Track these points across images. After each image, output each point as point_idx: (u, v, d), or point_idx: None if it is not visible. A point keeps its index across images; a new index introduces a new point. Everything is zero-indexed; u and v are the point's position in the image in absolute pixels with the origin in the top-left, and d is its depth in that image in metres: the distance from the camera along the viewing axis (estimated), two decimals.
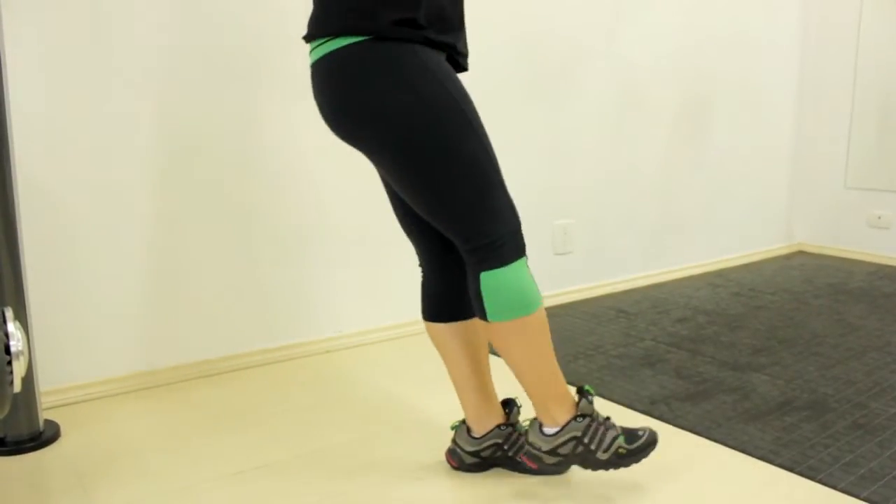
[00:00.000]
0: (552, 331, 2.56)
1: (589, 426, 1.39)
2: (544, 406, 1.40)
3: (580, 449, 1.39)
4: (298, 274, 2.31)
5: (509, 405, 1.55)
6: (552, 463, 1.41)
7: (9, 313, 1.31)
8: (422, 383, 2.08)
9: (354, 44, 1.25)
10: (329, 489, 1.50)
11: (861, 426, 1.78)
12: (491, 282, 1.32)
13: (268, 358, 2.26)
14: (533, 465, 1.43)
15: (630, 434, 1.42)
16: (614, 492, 1.47)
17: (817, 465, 1.58)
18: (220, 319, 2.18)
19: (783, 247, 3.92)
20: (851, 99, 3.65)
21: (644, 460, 1.60)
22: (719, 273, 3.46)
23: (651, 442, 1.43)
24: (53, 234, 1.91)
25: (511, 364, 1.39)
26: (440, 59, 1.31)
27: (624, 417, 1.84)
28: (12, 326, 1.29)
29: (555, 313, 2.79)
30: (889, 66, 3.49)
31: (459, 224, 1.32)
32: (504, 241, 1.32)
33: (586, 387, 1.43)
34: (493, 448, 1.53)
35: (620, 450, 1.39)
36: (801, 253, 3.91)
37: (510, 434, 1.53)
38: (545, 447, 1.40)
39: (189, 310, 2.13)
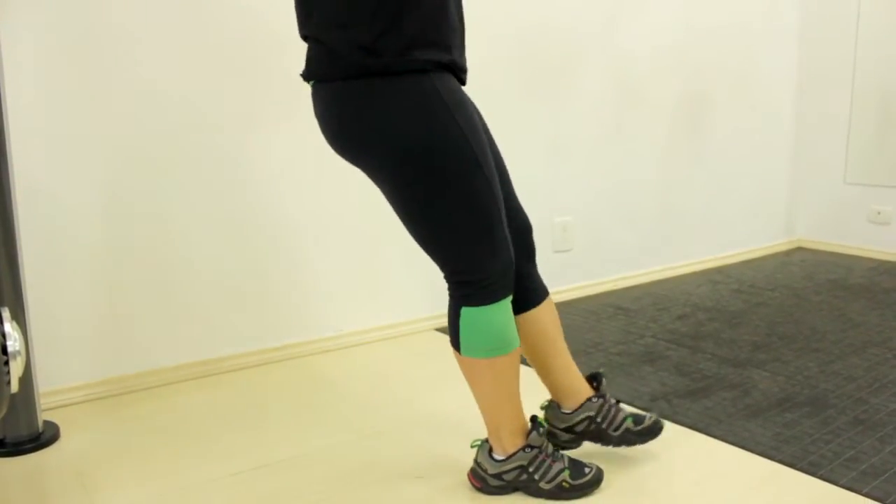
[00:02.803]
0: None
1: (535, 457, 1.42)
2: (497, 435, 1.43)
3: (524, 477, 1.43)
4: (297, 274, 2.30)
5: (596, 378, 1.57)
6: (495, 486, 1.45)
7: (5, 313, 1.30)
8: (422, 382, 2.08)
9: (361, 81, 1.23)
10: (329, 489, 1.50)
11: (862, 422, 1.77)
12: (471, 319, 1.34)
13: (267, 358, 2.26)
14: (477, 484, 1.46)
15: (577, 469, 1.45)
16: (614, 490, 1.47)
17: (818, 461, 1.58)
18: (219, 319, 2.18)
19: (783, 243, 3.91)
20: (851, 94, 3.64)
21: (649, 449, 1.60)
22: (719, 269, 3.45)
23: (596, 481, 1.46)
24: (52, 235, 1.90)
25: (475, 393, 1.42)
26: (452, 84, 1.29)
27: None
28: (9, 327, 1.28)
29: None
30: (888, 60, 3.49)
31: (452, 258, 1.32)
32: (493, 281, 1.33)
33: (539, 419, 1.45)
34: (587, 421, 1.54)
35: (564, 483, 1.43)
36: (800, 249, 3.90)
37: (602, 405, 1.55)
38: (491, 471, 1.44)
39: (188, 310, 2.12)
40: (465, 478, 1.52)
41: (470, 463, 1.58)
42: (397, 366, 2.22)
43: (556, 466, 1.43)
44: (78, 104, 1.90)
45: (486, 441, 1.46)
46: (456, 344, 1.38)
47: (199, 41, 2.05)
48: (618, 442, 1.54)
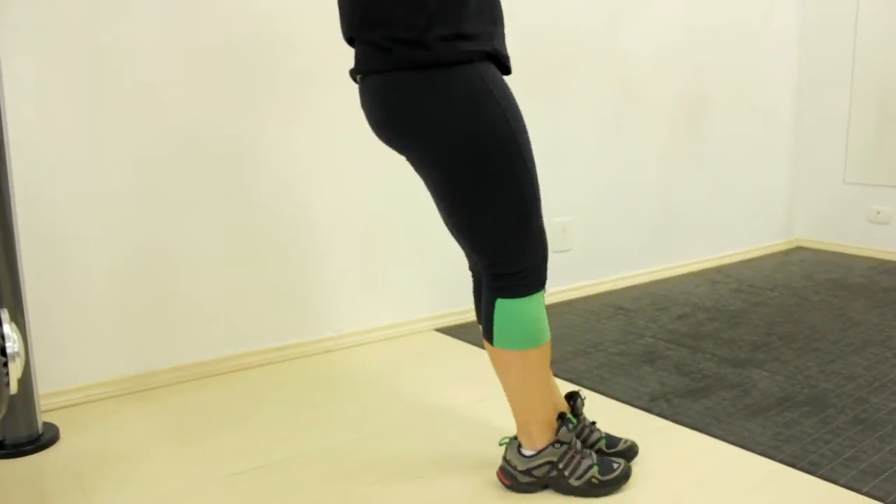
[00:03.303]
0: (552, 328, 2.55)
1: (565, 453, 1.43)
2: (526, 429, 1.43)
3: (554, 473, 1.43)
4: (298, 274, 2.30)
5: (573, 398, 1.56)
6: (525, 482, 1.45)
7: (4, 315, 1.30)
8: (422, 382, 2.08)
9: (408, 73, 1.23)
10: (330, 489, 1.50)
11: (862, 421, 1.77)
12: (506, 310, 1.35)
13: (267, 358, 2.26)
14: (507, 482, 1.47)
15: (605, 465, 1.45)
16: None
17: (818, 460, 1.58)
18: (219, 320, 2.17)
19: (782, 242, 3.91)
20: (850, 94, 3.65)
21: (650, 448, 1.60)
22: (719, 269, 3.45)
23: (625, 476, 1.46)
24: (51, 236, 1.90)
25: (505, 386, 1.43)
26: (497, 75, 1.29)
27: (624, 414, 1.83)
28: (8, 328, 1.28)
29: (554, 311, 2.78)
30: (887, 60, 3.49)
31: (491, 249, 1.33)
32: (529, 273, 1.34)
33: (567, 415, 1.45)
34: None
35: (593, 479, 1.43)
36: (800, 248, 3.90)
37: (577, 426, 1.54)
38: (521, 467, 1.44)
39: (188, 311, 2.12)
40: (466, 477, 1.52)
41: (471, 462, 1.58)
42: (398, 366, 2.22)
43: (586, 462, 1.44)
44: (77, 105, 1.90)
45: (515, 438, 1.46)
46: (489, 335, 1.38)
47: (199, 42, 2.05)
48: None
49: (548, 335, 1.39)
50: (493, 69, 1.28)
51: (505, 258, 1.33)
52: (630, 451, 1.56)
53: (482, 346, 2.37)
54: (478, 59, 1.25)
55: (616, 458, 1.51)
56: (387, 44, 1.24)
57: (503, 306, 1.35)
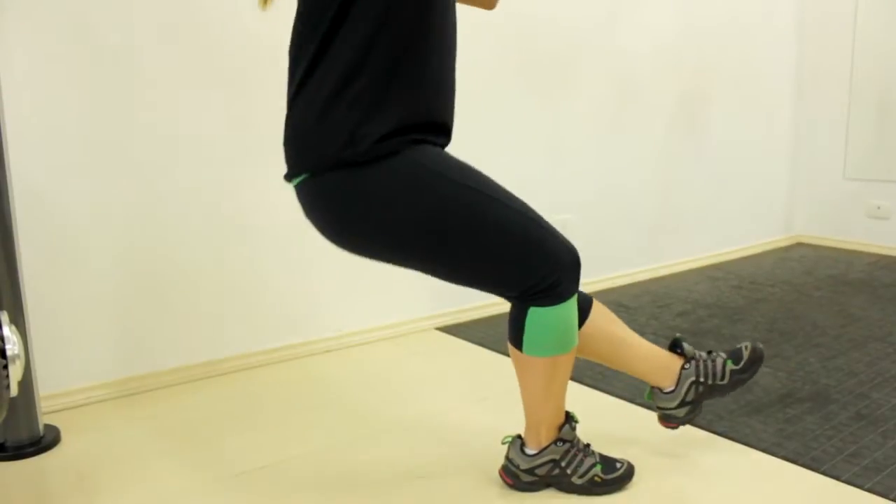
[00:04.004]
0: None
1: (568, 451, 1.43)
2: (536, 429, 1.43)
3: (556, 471, 1.43)
4: (298, 274, 2.30)
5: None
6: (528, 481, 1.45)
7: (4, 317, 1.30)
8: (424, 381, 2.08)
9: (341, 175, 1.22)
10: (332, 488, 1.50)
11: (864, 417, 1.77)
12: (538, 318, 1.32)
13: (269, 358, 2.26)
14: (509, 481, 1.46)
15: (608, 464, 1.45)
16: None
17: (820, 456, 1.58)
18: (220, 321, 2.17)
19: (782, 238, 3.91)
20: (849, 89, 3.64)
21: (651, 447, 1.60)
22: (719, 266, 3.45)
23: (628, 475, 1.46)
24: (51, 238, 1.90)
25: (526, 389, 1.41)
26: (427, 149, 1.27)
27: (625, 412, 1.83)
28: (8, 330, 1.28)
29: None
30: (886, 55, 3.48)
31: (516, 284, 1.31)
32: (560, 280, 1.31)
33: (571, 413, 1.45)
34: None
35: (596, 478, 1.43)
36: (800, 244, 3.90)
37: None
38: (523, 465, 1.44)
39: (189, 311, 2.12)
40: (469, 476, 1.52)
41: (473, 461, 1.58)
42: (399, 365, 2.22)
43: (588, 461, 1.43)
44: (77, 106, 1.89)
45: (518, 437, 1.46)
46: (518, 342, 1.35)
47: (200, 43, 2.04)
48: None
49: (577, 340, 1.37)
50: (424, 149, 1.26)
51: (529, 285, 1.30)
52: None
53: (483, 345, 2.36)
54: (406, 147, 1.24)
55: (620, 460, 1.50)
56: (320, 140, 1.22)
57: (536, 315, 1.32)
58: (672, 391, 1.52)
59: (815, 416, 1.78)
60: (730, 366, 1.52)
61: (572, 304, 1.34)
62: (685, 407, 1.53)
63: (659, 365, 1.53)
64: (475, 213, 1.25)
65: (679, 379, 1.51)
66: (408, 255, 1.28)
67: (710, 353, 1.55)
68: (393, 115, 1.22)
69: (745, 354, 1.53)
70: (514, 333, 1.36)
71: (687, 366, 1.52)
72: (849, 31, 3.61)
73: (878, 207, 3.60)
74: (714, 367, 1.52)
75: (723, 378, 1.51)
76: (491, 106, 2.66)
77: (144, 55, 1.97)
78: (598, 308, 1.51)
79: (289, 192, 2.24)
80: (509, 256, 1.28)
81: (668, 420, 1.56)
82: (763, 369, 2.10)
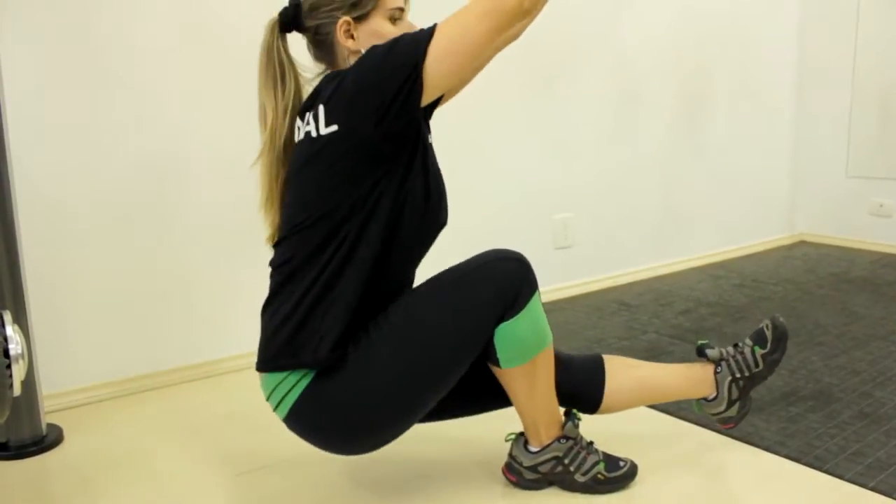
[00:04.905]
0: (555, 325, 2.55)
1: (571, 448, 1.43)
2: (534, 427, 1.42)
3: (559, 469, 1.43)
4: None
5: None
6: (531, 479, 1.45)
7: (7, 317, 1.30)
8: None
9: (308, 388, 1.27)
10: (335, 488, 1.50)
11: (867, 415, 1.77)
12: (508, 332, 1.30)
13: None
14: (512, 478, 1.46)
15: (612, 462, 1.45)
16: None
17: (823, 455, 1.58)
18: (222, 320, 2.17)
19: (785, 237, 3.91)
20: (851, 87, 3.64)
21: (653, 445, 1.60)
22: (721, 264, 3.45)
23: (631, 474, 1.46)
24: (52, 237, 1.90)
25: (513, 397, 1.40)
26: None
27: (628, 410, 1.82)
28: (11, 330, 1.28)
29: (556, 307, 2.78)
30: (889, 52, 3.48)
31: (488, 326, 1.30)
32: (517, 289, 1.29)
33: (574, 410, 1.45)
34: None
35: (599, 476, 1.43)
36: (802, 243, 3.90)
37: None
38: (526, 463, 1.44)
39: (191, 310, 2.12)
40: (472, 474, 1.52)
41: (475, 459, 1.58)
42: None
43: (592, 459, 1.43)
44: (79, 106, 1.90)
45: (521, 434, 1.45)
46: (494, 360, 1.33)
47: (199, 43, 2.04)
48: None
49: (550, 334, 1.36)
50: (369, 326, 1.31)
51: (496, 316, 1.29)
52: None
53: None
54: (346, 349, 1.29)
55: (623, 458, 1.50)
56: (284, 345, 1.28)
57: (504, 330, 1.30)
58: (716, 397, 1.53)
59: (818, 414, 1.78)
60: (759, 351, 1.53)
61: (535, 304, 1.31)
62: (734, 405, 1.54)
63: (693, 380, 1.54)
64: (431, 330, 1.28)
65: (717, 384, 1.52)
66: (403, 422, 1.33)
67: (735, 345, 1.56)
68: (345, 317, 1.27)
69: (769, 334, 1.54)
70: (488, 354, 1.34)
71: (719, 369, 1.53)
72: (851, 28, 3.60)
73: (881, 205, 3.59)
74: (745, 358, 1.53)
75: (757, 365, 1.52)
76: (491, 105, 2.66)
77: (145, 54, 1.97)
78: (610, 364, 1.51)
79: None
80: (469, 319, 1.28)
81: (726, 422, 1.57)
82: None
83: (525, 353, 1.32)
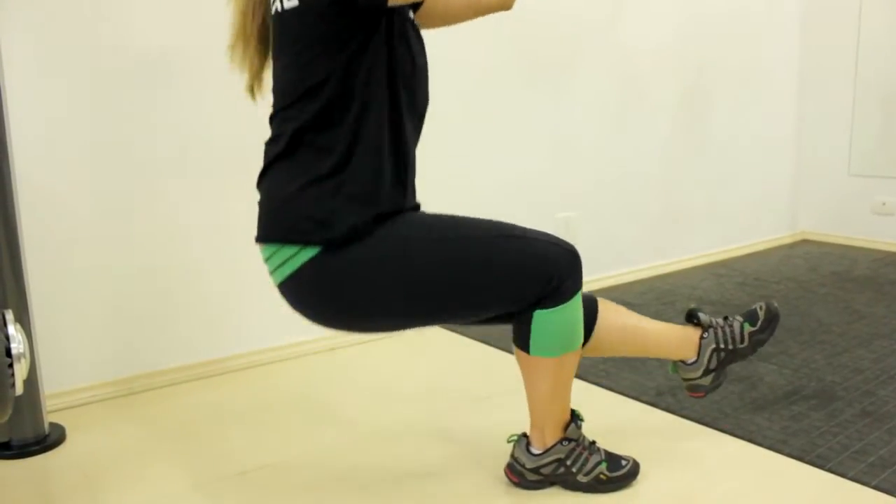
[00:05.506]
0: None
1: (573, 450, 1.43)
2: (540, 428, 1.42)
3: (561, 470, 1.43)
4: None
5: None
6: (533, 480, 1.45)
7: (9, 315, 1.30)
8: (427, 380, 2.08)
9: (315, 258, 1.24)
10: (337, 487, 1.50)
11: (870, 414, 1.76)
12: (544, 320, 1.31)
13: (271, 357, 2.26)
14: (514, 479, 1.46)
15: (614, 462, 1.45)
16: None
17: (826, 453, 1.57)
18: (223, 319, 2.17)
19: (787, 235, 3.90)
20: (854, 85, 3.63)
21: (655, 444, 1.59)
22: (723, 263, 3.44)
23: (633, 473, 1.46)
24: (55, 236, 1.90)
25: (532, 390, 1.40)
26: (395, 219, 1.29)
27: (631, 409, 1.83)
28: (13, 329, 1.28)
29: None
30: (891, 50, 3.47)
31: (512, 304, 1.31)
32: (562, 281, 1.30)
33: (576, 411, 1.45)
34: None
35: (601, 476, 1.43)
36: (805, 241, 3.89)
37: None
38: (529, 465, 1.44)
39: (193, 310, 2.12)
40: (474, 474, 1.52)
41: (478, 459, 1.58)
42: (403, 363, 2.22)
43: (594, 459, 1.43)
44: (80, 105, 1.90)
45: (524, 436, 1.46)
46: (525, 345, 1.35)
47: (200, 41, 2.04)
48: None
49: (582, 337, 1.37)
50: (393, 220, 1.28)
51: (533, 297, 1.30)
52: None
53: (486, 343, 2.36)
54: (381, 223, 1.27)
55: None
56: (293, 216, 1.25)
57: (542, 317, 1.31)
58: (695, 362, 1.55)
59: (821, 413, 1.78)
60: (747, 328, 1.55)
61: (577, 302, 1.34)
62: (710, 375, 1.56)
63: (678, 340, 1.55)
64: (462, 264, 1.27)
65: (700, 349, 1.54)
66: (402, 322, 1.32)
67: (726, 318, 1.58)
68: (363, 207, 1.25)
69: (761, 315, 1.57)
70: (519, 336, 1.36)
71: (705, 335, 1.55)
72: (853, 26, 3.60)
73: (884, 204, 3.59)
74: (732, 331, 1.55)
75: (742, 341, 1.55)
76: (492, 103, 2.66)
77: (146, 52, 1.97)
78: (604, 305, 1.51)
79: None
80: (507, 286, 1.28)
81: (696, 390, 1.59)
82: (768, 366, 2.09)
83: (557, 346, 1.33)
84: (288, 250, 1.25)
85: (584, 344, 1.47)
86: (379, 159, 1.26)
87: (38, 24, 1.82)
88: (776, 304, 1.60)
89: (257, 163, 2.21)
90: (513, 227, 1.33)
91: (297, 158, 1.26)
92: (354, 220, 1.23)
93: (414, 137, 1.35)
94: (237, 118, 2.12)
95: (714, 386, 1.57)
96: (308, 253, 1.24)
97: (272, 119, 1.33)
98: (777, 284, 3.02)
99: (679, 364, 1.58)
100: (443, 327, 2.56)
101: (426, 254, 1.26)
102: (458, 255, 1.27)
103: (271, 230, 1.28)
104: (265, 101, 2.21)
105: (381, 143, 1.26)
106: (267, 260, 1.30)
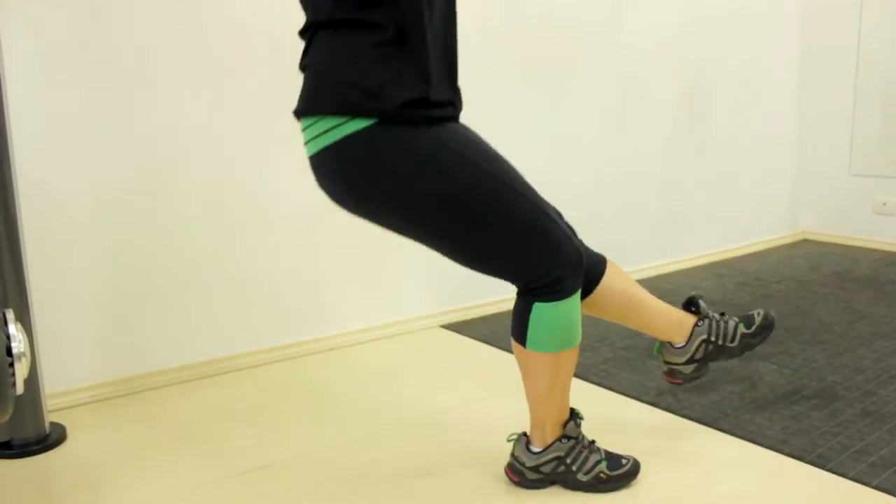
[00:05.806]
0: None
1: (573, 448, 1.43)
2: (540, 426, 1.43)
3: (561, 468, 1.43)
4: (301, 272, 2.30)
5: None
6: (533, 479, 1.45)
7: (10, 315, 1.30)
8: (428, 379, 2.08)
9: (361, 131, 1.19)
10: (337, 486, 1.50)
11: (870, 414, 1.76)
12: (543, 314, 1.32)
13: (272, 356, 2.26)
14: (514, 478, 1.46)
15: (614, 461, 1.45)
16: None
17: (827, 453, 1.57)
18: (223, 318, 2.17)
19: (788, 235, 3.90)
20: (854, 85, 3.63)
21: (655, 444, 1.59)
22: (724, 263, 3.44)
23: (633, 472, 1.46)
24: (56, 236, 1.90)
25: (529, 387, 1.41)
26: (449, 127, 1.27)
27: (631, 408, 1.83)
28: (14, 328, 1.28)
29: None
30: (892, 49, 3.47)
31: (521, 274, 1.32)
32: (565, 275, 1.31)
33: (576, 410, 1.45)
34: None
35: (601, 474, 1.43)
36: (805, 241, 3.89)
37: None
38: (529, 463, 1.44)
39: (194, 310, 2.12)
40: (474, 473, 1.52)
41: (478, 458, 1.58)
42: (403, 363, 2.22)
43: (594, 457, 1.43)
44: (80, 104, 1.90)
45: (524, 435, 1.46)
46: (521, 338, 1.35)
47: (201, 40, 2.04)
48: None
49: (580, 336, 1.38)
50: (446, 126, 1.26)
51: (534, 276, 1.30)
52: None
53: (488, 342, 2.36)
54: (430, 123, 1.23)
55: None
56: (341, 86, 1.20)
57: (540, 310, 1.32)
58: (682, 346, 1.56)
59: (821, 412, 1.78)
60: (741, 329, 1.57)
61: (576, 301, 1.34)
62: (692, 364, 1.57)
63: (673, 322, 1.57)
64: (490, 199, 1.25)
65: (691, 335, 1.56)
66: (415, 228, 1.28)
67: (722, 314, 1.60)
68: (414, 83, 1.21)
69: (758, 320, 1.59)
70: (517, 328, 1.37)
71: (700, 323, 1.57)
72: (854, 25, 3.59)
73: (885, 204, 3.59)
74: (726, 328, 1.57)
75: (733, 340, 1.56)
76: (493, 102, 2.66)
77: (145, 50, 1.97)
78: (612, 267, 1.53)
79: (290, 190, 2.24)
80: (516, 245, 1.28)
81: (674, 376, 1.60)
82: (769, 366, 2.09)
83: (554, 341, 1.33)
84: (332, 120, 1.20)
85: (587, 295, 1.50)
86: (425, 44, 1.21)
87: (38, 18, 1.82)
88: (774, 314, 1.62)
89: (258, 162, 2.22)
90: (548, 206, 1.34)
91: (343, 32, 1.20)
92: (405, 95, 1.19)
93: (455, 33, 1.32)
94: (236, 114, 2.12)
95: (692, 377, 1.58)
96: (358, 124, 1.19)
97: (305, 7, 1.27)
98: (777, 284, 3.01)
99: (666, 345, 1.59)
100: (442, 327, 2.56)
101: (470, 177, 1.24)
102: (495, 194, 1.26)
103: (316, 100, 1.23)
104: (265, 106, 2.21)
105: (426, 28, 1.21)
106: (305, 129, 1.26)
